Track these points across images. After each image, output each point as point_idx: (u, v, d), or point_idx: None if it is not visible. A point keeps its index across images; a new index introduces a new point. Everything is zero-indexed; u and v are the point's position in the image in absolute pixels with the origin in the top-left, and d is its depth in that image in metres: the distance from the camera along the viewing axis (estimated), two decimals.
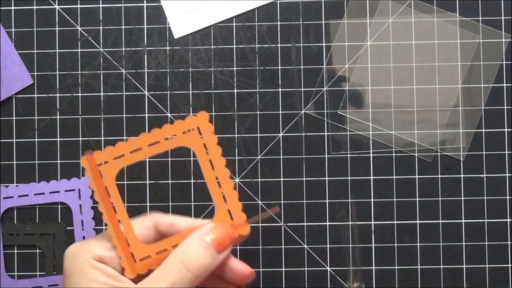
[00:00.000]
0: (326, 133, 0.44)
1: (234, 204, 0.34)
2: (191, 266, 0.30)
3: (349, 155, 0.43)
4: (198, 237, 0.32)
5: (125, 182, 0.43)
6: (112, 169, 0.33)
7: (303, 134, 0.44)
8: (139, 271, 0.33)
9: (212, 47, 0.44)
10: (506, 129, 0.43)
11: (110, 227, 0.33)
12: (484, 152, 0.43)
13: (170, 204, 0.43)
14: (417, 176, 0.43)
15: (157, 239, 0.34)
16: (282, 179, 0.43)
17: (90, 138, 0.44)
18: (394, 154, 0.43)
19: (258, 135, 0.44)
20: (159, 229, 0.34)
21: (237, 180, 0.43)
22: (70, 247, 0.32)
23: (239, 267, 0.33)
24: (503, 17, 0.44)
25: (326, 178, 0.43)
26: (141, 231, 0.33)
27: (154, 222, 0.34)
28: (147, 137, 0.34)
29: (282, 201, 0.43)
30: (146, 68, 0.44)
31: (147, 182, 0.43)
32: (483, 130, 0.43)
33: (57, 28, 0.44)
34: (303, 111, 0.44)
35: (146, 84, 0.44)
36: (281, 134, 0.44)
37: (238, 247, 0.43)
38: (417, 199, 0.43)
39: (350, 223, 0.43)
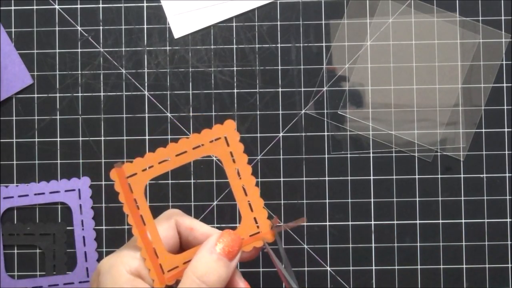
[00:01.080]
0: (326, 133, 0.44)
1: (260, 212, 0.34)
2: (209, 280, 0.31)
3: (349, 155, 0.43)
4: (208, 250, 0.32)
5: None
6: (141, 180, 0.33)
7: (303, 134, 0.44)
8: (167, 282, 0.33)
9: (212, 47, 0.44)
10: (506, 129, 0.43)
11: (139, 240, 0.33)
12: (484, 152, 0.43)
13: (170, 204, 0.43)
14: (417, 176, 0.43)
15: (177, 239, 0.34)
16: (282, 179, 0.43)
17: (90, 138, 0.44)
18: (394, 154, 0.43)
19: (258, 135, 0.44)
20: (179, 230, 0.34)
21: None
22: (105, 261, 0.32)
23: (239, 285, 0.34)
24: (503, 17, 0.44)
25: (326, 178, 0.43)
26: (164, 233, 0.33)
27: (175, 223, 0.34)
28: (175, 147, 0.34)
29: (282, 201, 0.43)
30: (146, 68, 0.44)
31: (147, 182, 0.43)
32: (483, 130, 0.43)
33: (57, 28, 0.44)
34: (303, 111, 0.44)
35: (146, 84, 0.44)
36: (281, 134, 0.44)
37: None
38: (417, 199, 0.43)
39: (350, 223, 0.43)
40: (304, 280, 0.43)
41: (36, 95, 0.44)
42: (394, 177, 0.43)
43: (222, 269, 0.31)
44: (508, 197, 0.43)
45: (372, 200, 0.43)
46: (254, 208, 0.34)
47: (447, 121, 0.43)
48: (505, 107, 0.43)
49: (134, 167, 0.33)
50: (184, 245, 0.35)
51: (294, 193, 0.43)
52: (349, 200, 0.43)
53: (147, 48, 0.44)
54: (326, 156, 0.43)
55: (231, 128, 0.34)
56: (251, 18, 0.44)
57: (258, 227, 0.34)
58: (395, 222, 0.43)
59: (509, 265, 0.43)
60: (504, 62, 0.43)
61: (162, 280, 0.33)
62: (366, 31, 0.44)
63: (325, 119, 0.44)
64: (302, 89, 0.44)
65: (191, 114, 0.44)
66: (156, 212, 0.43)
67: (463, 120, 0.43)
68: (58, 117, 0.44)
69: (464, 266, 0.43)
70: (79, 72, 0.44)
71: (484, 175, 0.43)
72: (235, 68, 0.44)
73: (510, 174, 0.43)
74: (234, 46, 0.44)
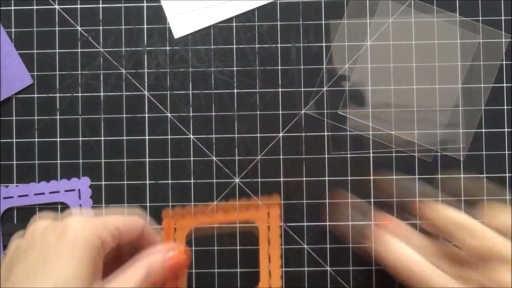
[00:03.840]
0: (326, 133, 0.44)
1: (276, 281, 0.39)
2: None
3: (349, 155, 0.43)
4: (145, 271, 0.31)
5: (125, 182, 0.43)
6: (186, 225, 0.38)
7: (303, 134, 0.44)
8: None
9: (212, 47, 0.44)
10: (506, 129, 0.43)
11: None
12: (484, 152, 0.43)
13: (170, 204, 0.43)
14: (417, 176, 0.43)
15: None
16: (282, 179, 0.43)
17: (90, 138, 0.44)
18: (394, 154, 0.43)
19: (258, 135, 0.44)
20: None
21: (237, 180, 0.43)
22: (71, 222, 0.30)
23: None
24: (503, 17, 0.44)
25: (326, 178, 0.43)
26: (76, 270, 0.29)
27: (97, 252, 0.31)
28: (223, 206, 0.41)
29: (282, 201, 0.43)
30: (146, 68, 0.44)
31: (147, 182, 0.43)
32: (483, 130, 0.43)
33: (57, 28, 0.44)
34: (303, 111, 0.44)
35: (146, 84, 0.44)
36: (281, 134, 0.44)
37: (238, 247, 0.43)
38: (417, 199, 0.43)
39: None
40: (304, 280, 0.43)
41: (36, 95, 0.44)
42: (394, 177, 0.43)
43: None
44: (508, 197, 0.43)
45: (372, 200, 0.43)
46: (272, 275, 0.39)
47: (447, 121, 0.43)
48: (505, 107, 0.43)
49: (184, 211, 0.39)
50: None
51: (294, 193, 0.43)
52: (349, 200, 0.43)
53: (147, 48, 0.44)
54: (326, 156, 0.43)
55: (276, 202, 0.42)
56: (251, 18, 0.44)
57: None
58: None
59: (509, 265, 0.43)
60: (504, 62, 0.43)
61: None
62: (366, 31, 0.44)
63: (325, 119, 0.44)
64: (302, 89, 0.44)
65: (191, 114, 0.44)
66: (156, 212, 0.43)
67: (463, 120, 0.43)
68: (58, 117, 0.44)
69: None
70: (79, 72, 0.44)
71: (484, 175, 0.43)
72: (235, 68, 0.44)
73: (510, 174, 0.43)
74: (234, 46, 0.44)
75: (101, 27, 0.44)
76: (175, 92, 0.44)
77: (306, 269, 0.43)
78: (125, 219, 0.32)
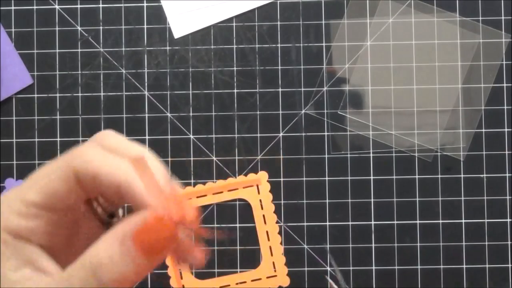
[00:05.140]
0: (326, 133, 0.44)
1: (279, 258, 0.40)
2: (104, 277, 0.21)
3: (349, 155, 0.43)
4: (119, 238, 0.21)
5: None
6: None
7: (303, 134, 0.44)
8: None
9: (212, 47, 0.44)
10: (506, 129, 0.43)
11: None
12: (484, 152, 0.43)
13: None
14: (417, 176, 0.43)
15: (81, 194, 0.22)
16: (282, 179, 0.43)
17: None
18: (394, 154, 0.43)
19: (258, 135, 0.44)
20: (81, 181, 0.22)
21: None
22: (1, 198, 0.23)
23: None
24: (503, 17, 0.44)
25: (326, 178, 0.43)
26: (55, 186, 0.22)
27: (73, 171, 0.22)
28: (213, 186, 0.41)
29: (282, 201, 0.43)
30: (146, 68, 0.44)
31: None
32: (483, 130, 0.43)
33: (57, 28, 0.44)
34: (303, 111, 0.44)
35: (146, 84, 0.44)
36: (281, 134, 0.44)
37: (238, 247, 0.43)
38: (417, 199, 0.43)
39: (350, 223, 0.43)
40: (304, 280, 0.43)
41: (36, 95, 0.44)
42: (394, 177, 0.43)
43: (131, 268, 0.20)
44: (508, 197, 0.43)
45: (372, 200, 0.43)
46: (274, 253, 0.40)
47: (447, 121, 0.43)
48: (505, 107, 0.43)
49: None
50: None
51: (294, 193, 0.43)
52: (349, 200, 0.43)
53: (147, 48, 0.44)
54: (326, 156, 0.43)
55: (263, 179, 0.42)
56: (251, 18, 0.44)
57: (275, 270, 0.39)
58: (395, 222, 0.43)
59: (509, 265, 0.43)
60: (504, 62, 0.43)
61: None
62: (366, 31, 0.44)
63: (325, 119, 0.44)
64: (302, 89, 0.44)
65: (191, 114, 0.44)
66: None
67: (463, 120, 0.43)
68: (58, 117, 0.44)
69: (464, 266, 0.43)
70: (79, 72, 0.44)
71: (484, 175, 0.43)
72: (235, 68, 0.44)
73: (510, 174, 0.43)
74: (234, 46, 0.44)
75: (101, 27, 0.44)
76: (175, 92, 0.44)
77: (306, 269, 0.43)
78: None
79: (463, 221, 0.43)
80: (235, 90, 0.44)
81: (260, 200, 0.41)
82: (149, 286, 0.42)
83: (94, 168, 0.21)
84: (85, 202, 0.24)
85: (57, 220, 0.22)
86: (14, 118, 0.44)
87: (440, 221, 0.43)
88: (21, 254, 0.22)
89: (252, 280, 0.41)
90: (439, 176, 0.43)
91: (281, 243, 0.39)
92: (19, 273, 0.21)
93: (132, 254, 0.21)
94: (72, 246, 0.23)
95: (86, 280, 0.21)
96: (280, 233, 0.40)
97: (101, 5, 0.44)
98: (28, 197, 0.22)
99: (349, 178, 0.43)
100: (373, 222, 0.43)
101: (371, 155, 0.43)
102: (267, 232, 0.40)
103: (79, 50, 0.44)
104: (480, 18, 0.44)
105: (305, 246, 0.43)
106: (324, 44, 0.44)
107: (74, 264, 0.21)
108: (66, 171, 0.22)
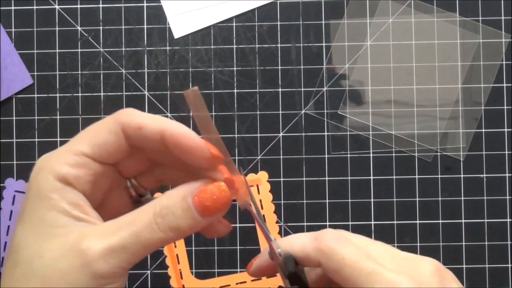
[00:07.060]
0: (326, 133, 0.44)
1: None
2: (163, 224, 0.24)
3: (349, 155, 0.43)
4: (181, 194, 0.25)
5: None
6: None
7: (303, 134, 0.44)
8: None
9: (212, 47, 0.44)
10: (506, 129, 0.43)
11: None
12: (484, 152, 0.43)
13: None
14: (417, 176, 0.43)
15: (122, 146, 0.26)
16: (282, 179, 0.43)
17: None
18: (394, 154, 0.43)
19: (258, 135, 0.44)
20: (128, 134, 0.25)
21: None
22: (39, 160, 0.25)
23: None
24: (503, 17, 0.44)
25: (326, 178, 0.43)
26: (104, 138, 0.25)
27: (121, 126, 0.26)
28: None
29: (282, 201, 0.43)
30: (146, 68, 0.44)
31: None
32: (483, 130, 0.43)
33: (57, 28, 0.44)
34: (303, 111, 0.44)
35: (146, 84, 0.44)
36: (281, 134, 0.44)
37: (238, 247, 0.43)
38: (417, 199, 0.43)
39: (350, 223, 0.43)
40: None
41: (36, 95, 0.44)
42: (394, 177, 0.43)
43: (187, 221, 0.24)
44: (508, 197, 0.43)
45: (372, 200, 0.43)
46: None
47: (447, 121, 0.43)
48: (505, 107, 0.43)
49: None
50: (137, 151, 0.27)
51: (294, 193, 0.43)
52: (349, 200, 0.43)
53: (147, 48, 0.44)
54: (326, 156, 0.43)
55: (263, 179, 0.42)
56: (251, 18, 0.44)
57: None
58: (395, 222, 0.43)
59: (509, 265, 0.43)
60: (504, 62, 0.43)
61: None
62: (366, 31, 0.44)
63: (325, 119, 0.44)
64: (302, 89, 0.44)
65: (191, 114, 0.44)
66: None
67: (463, 120, 0.43)
68: (58, 117, 0.44)
69: (464, 266, 0.43)
70: (79, 72, 0.44)
71: (484, 175, 0.43)
72: (235, 68, 0.44)
73: (510, 174, 0.43)
74: (234, 46, 0.44)
75: (101, 27, 0.44)
76: (175, 92, 0.44)
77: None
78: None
79: (463, 221, 0.43)
80: (235, 90, 0.44)
81: (260, 200, 0.41)
82: (149, 286, 0.42)
83: (139, 119, 0.25)
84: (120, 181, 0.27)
85: (101, 173, 0.25)
86: (14, 118, 0.44)
87: (440, 221, 0.43)
88: (68, 198, 0.24)
89: (252, 280, 0.41)
90: (439, 176, 0.43)
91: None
92: (66, 217, 0.24)
93: (191, 209, 0.24)
94: (101, 210, 0.26)
95: (149, 224, 0.24)
96: (280, 233, 0.40)
97: (101, 5, 0.44)
98: (78, 147, 0.25)
99: (349, 178, 0.43)
100: (373, 222, 0.43)
101: (371, 155, 0.43)
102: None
103: (79, 50, 0.44)
104: (480, 18, 0.44)
105: None
106: (324, 44, 0.44)
107: (138, 211, 0.24)
108: (114, 124, 0.25)
